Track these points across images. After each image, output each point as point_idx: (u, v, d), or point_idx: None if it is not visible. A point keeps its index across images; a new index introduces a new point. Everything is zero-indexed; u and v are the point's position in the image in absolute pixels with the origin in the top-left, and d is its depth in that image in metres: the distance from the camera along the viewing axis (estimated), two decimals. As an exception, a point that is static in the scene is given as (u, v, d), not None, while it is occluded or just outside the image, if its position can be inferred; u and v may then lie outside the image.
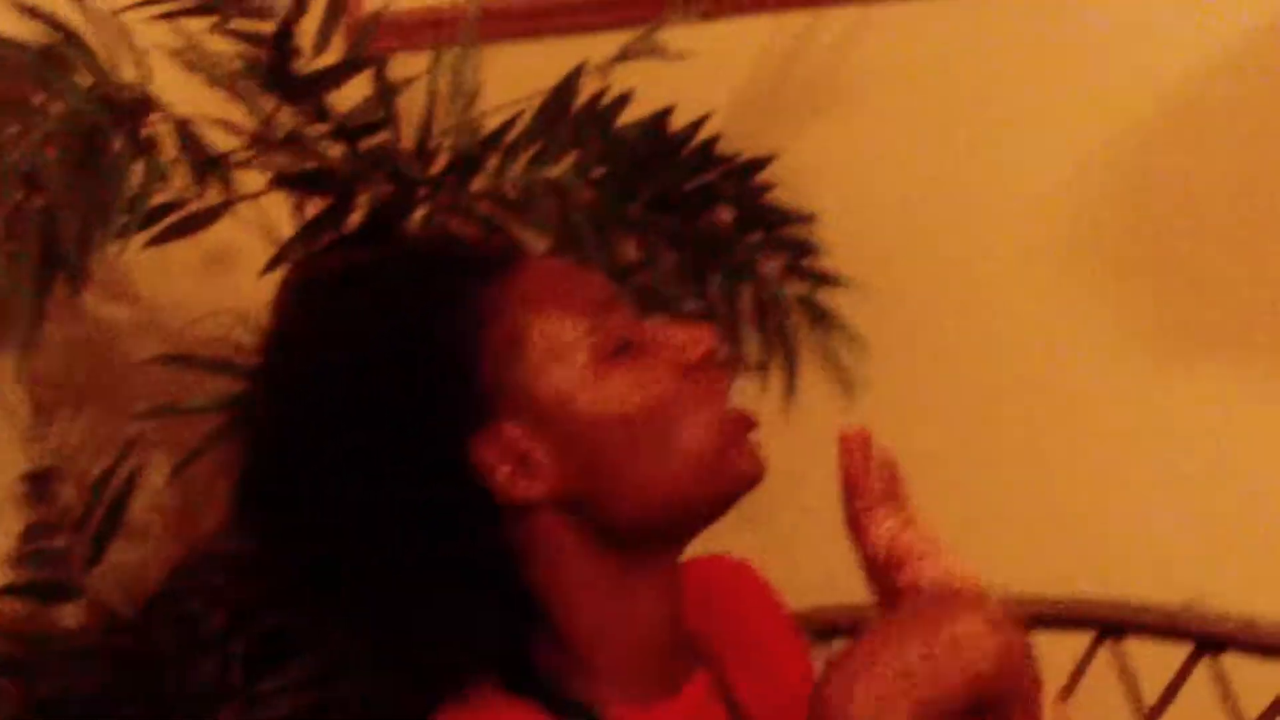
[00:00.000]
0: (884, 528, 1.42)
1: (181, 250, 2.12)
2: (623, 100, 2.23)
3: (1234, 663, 1.92)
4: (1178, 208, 2.18)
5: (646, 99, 2.24)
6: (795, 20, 2.31)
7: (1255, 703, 1.91)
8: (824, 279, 2.25)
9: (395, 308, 1.30)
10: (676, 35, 2.16)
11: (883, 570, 1.46)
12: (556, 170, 2.21)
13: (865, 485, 1.36)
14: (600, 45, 2.23)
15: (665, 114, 2.24)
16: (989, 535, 2.08)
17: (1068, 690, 1.99)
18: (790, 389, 2.25)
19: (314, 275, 1.42)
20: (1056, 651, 1.97)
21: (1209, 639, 1.93)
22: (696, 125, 2.24)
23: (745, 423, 1.35)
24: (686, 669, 1.38)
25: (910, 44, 2.26)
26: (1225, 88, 2.13)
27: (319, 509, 1.29)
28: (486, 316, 1.29)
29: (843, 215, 2.27)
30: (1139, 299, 2.20)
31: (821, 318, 2.26)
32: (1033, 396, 2.25)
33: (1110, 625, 1.99)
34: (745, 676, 1.42)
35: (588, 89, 2.22)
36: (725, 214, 2.27)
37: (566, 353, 1.30)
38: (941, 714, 1.09)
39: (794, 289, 2.26)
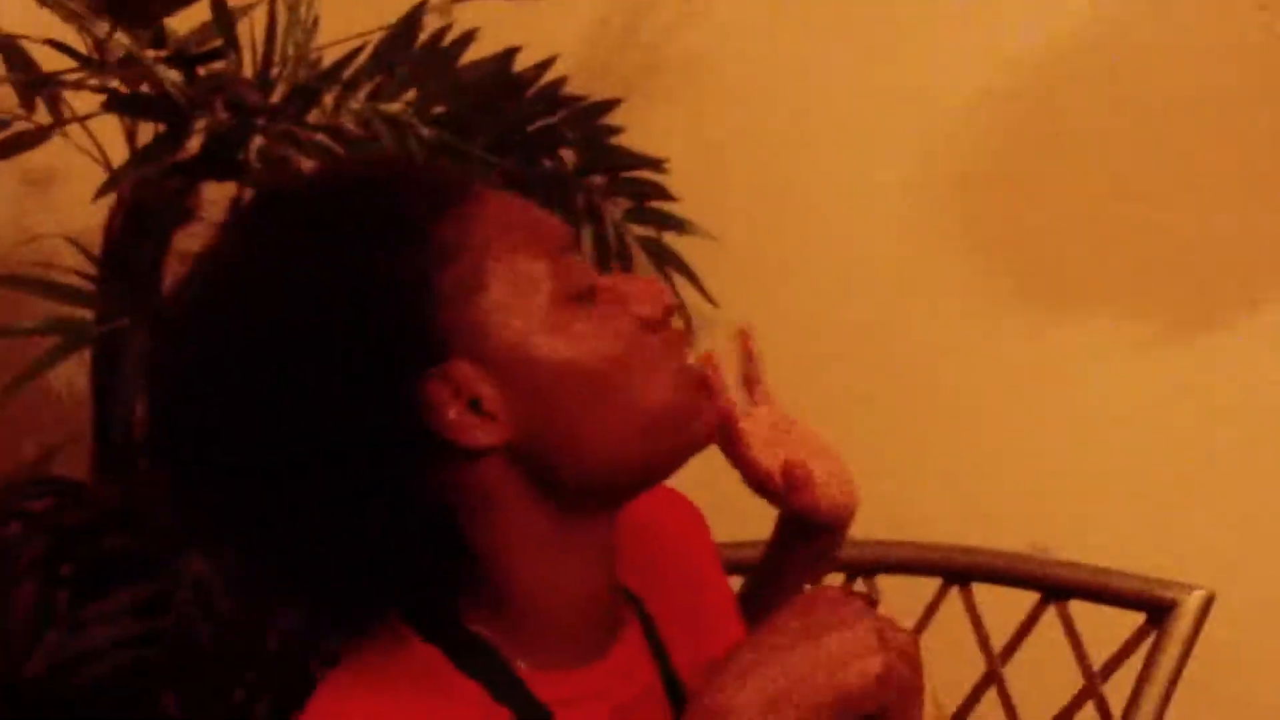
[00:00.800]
0: (766, 448, 1.45)
1: (5, 171, 2.05)
2: (466, 38, 2.19)
3: (1081, 609, 1.93)
4: (1036, 165, 2.18)
5: (494, 39, 2.20)
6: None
7: (1101, 651, 1.91)
8: (669, 222, 2.22)
9: (345, 241, 1.20)
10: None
11: (775, 491, 1.47)
12: (395, 106, 2.17)
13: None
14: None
15: (510, 54, 2.21)
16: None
17: (916, 633, 1.99)
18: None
19: (264, 198, 1.34)
20: (905, 597, 1.99)
21: (1056, 586, 1.94)
22: (542, 66, 2.21)
23: (703, 382, 1.30)
24: (616, 628, 1.33)
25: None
26: (1077, 53, 2.15)
27: (251, 428, 1.19)
28: (442, 254, 1.20)
29: (691, 161, 2.24)
30: (990, 254, 2.20)
31: (665, 260, 2.23)
32: (880, 346, 2.24)
33: (958, 572, 1.99)
34: (676, 627, 1.38)
35: (431, 26, 2.18)
36: (570, 156, 2.24)
37: (526, 295, 1.22)
38: None
39: (639, 232, 2.23)
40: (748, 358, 1.52)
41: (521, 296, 1.21)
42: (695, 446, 1.28)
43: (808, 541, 1.56)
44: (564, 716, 1.23)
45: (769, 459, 1.50)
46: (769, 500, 1.51)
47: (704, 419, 1.28)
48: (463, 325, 1.19)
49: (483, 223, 1.23)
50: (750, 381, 1.53)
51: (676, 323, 1.30)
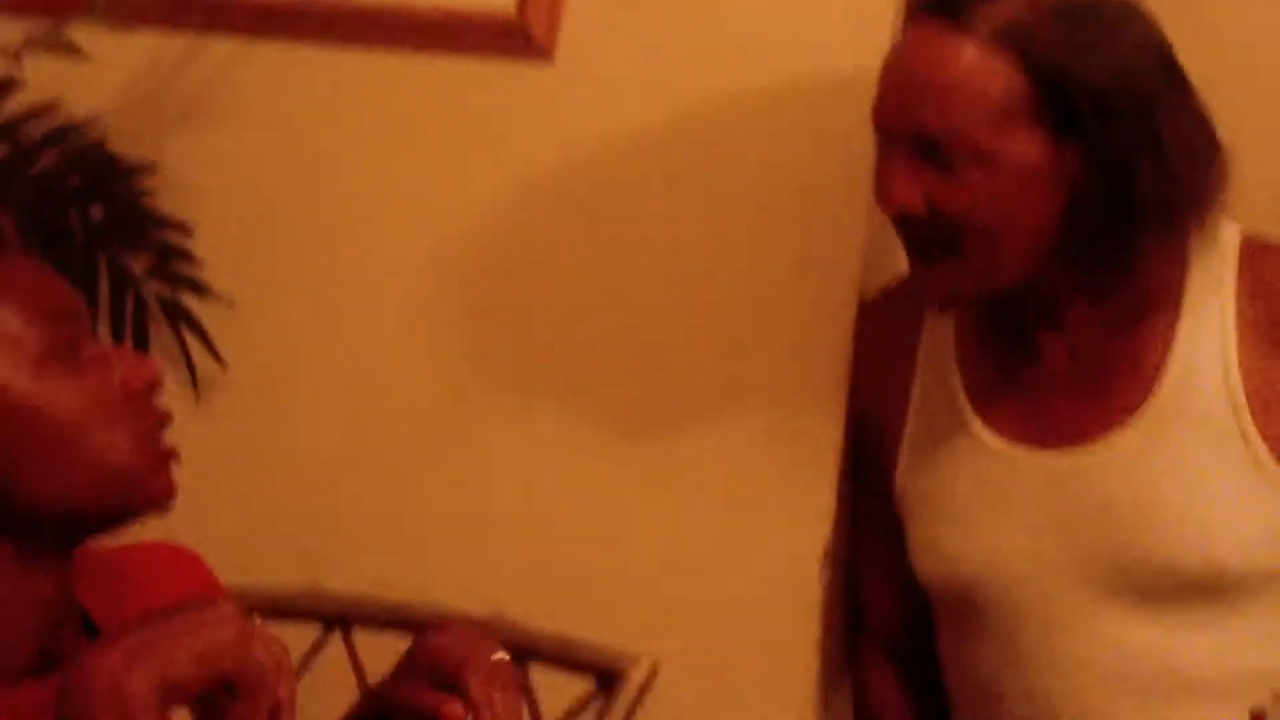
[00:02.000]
0: None
1: None
2: (8, 86, 2.28)
3: (539, 672, 2.12)
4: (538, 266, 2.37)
5: (35, 92, 2.31)
6: (185, 38, 2.39)
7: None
8: (187, 283, 2.35)
9: None
10: (78, 33, 2.22)
11: None
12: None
13: None
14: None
15: (53, 107, 2.33)
16: (320, 535, 2.24)
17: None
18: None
19: None
20: (375, 653, 2.14)
21: (517, 649, 2.11)
22: (85, 124, 2.34)
23: (167, 454, 1.47)
24: (61, 653, 1.44)
25: (298, 81, 2.39)
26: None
27: None
28: None
29: (217, 229, 2.37)
30: (478, 338, 2.38)
31: (179, 318, 2.35)
32: (369, 414, 2.39)
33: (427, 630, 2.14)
34: None
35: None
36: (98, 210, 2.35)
37: (14, 344, 1.39)
38: (179, 683, 1.20)
39: (157, 289, 2.34)
40: None
41: (11, 343, 1.39)
42: (146, 508, 1.46)
43: None
44: None
45: None
46: None
47: (157, 486, 1.46)
48: None
49: None
50: None
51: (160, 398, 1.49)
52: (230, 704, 1.22)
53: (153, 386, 1.47)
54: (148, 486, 1.44)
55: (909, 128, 1.97)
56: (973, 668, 2.17)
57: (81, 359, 1.43)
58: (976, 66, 1.94)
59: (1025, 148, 1.95)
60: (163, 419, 1.48)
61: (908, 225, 2.02)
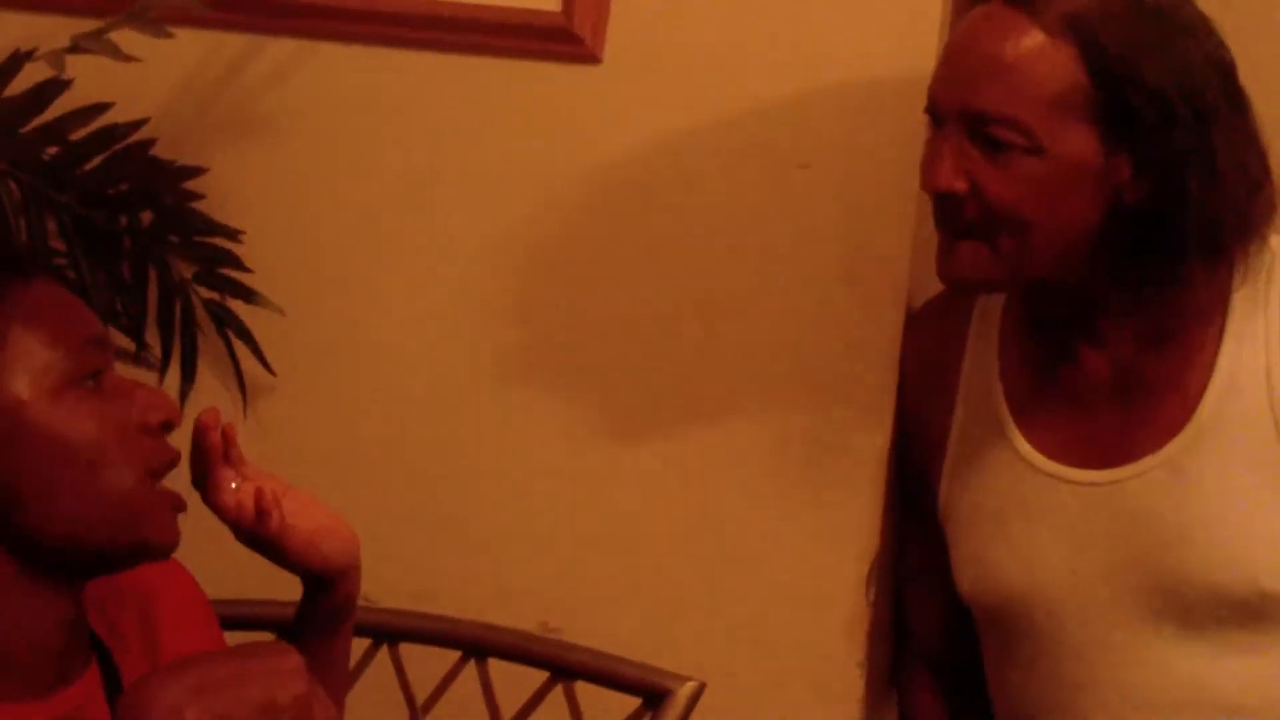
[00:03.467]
0: (236, 486, 1.62)
1: None
2: (59, 87, 2.28)
3: (585, 690, 2.12)
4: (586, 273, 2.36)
5: (84, 93, 2.30)
6: (237, 40, 2.39)
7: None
8: (236, 290, 2.34)
9: None
10: (124, 37, 2.22)
11: (250, 525, 1.64)
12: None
13: (212, 446, 1.61)
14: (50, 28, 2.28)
15: (102, 109, 2.31)
16: (365, 546, 2.24)
17: (428, 706, 2.18)
18: (187, 386, 2.34)
19: None
20: (426, 667, 2.17)
21: (564, 667, 2.12)
22: (134, 126, 2.32)
23: (173, 499, 1.49)
24: (70, 674, 1.48)
25: (347, 84, 2.38)
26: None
27: None
28: None
29: (266, 235, 2.36)
30: (525, 344, 2.37)
31: (226, 324, 2.35)
32: (419, 424, 2.38)
33: (477, 647, 2.15)
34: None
35: (39, 75, 2.25)
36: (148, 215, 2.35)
37: (37, 368, 1.41)
38: None
39: (206, 295, 2.35)
40: (226, 442, 1.67)
41: (33, 366, 1.41)
42: (149, 552, 1.48)
43: (315, 599, 1.73)
44: None
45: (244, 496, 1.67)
46: (254, 547, 1.68)
47: (163, 531, 1.48)
48: None
49: (21, 299, 1.43)
50: (232, 461, 1.68)
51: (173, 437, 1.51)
52: None
53: (168, 424, 1.49)
54: (145, 525, 1.46)
55: (963, 104, 1.97)
56: (1014, 688, 2.17)
57: (102, 389, 1.45)
58: (1039, 52, 1.93)
59: (1076, 145, 1.94)
60: (173, 460, 1.50)
61: (947, 204, 2.01)
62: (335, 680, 1.73)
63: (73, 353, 1.43)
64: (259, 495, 1.64)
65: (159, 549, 1.48)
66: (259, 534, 1.65)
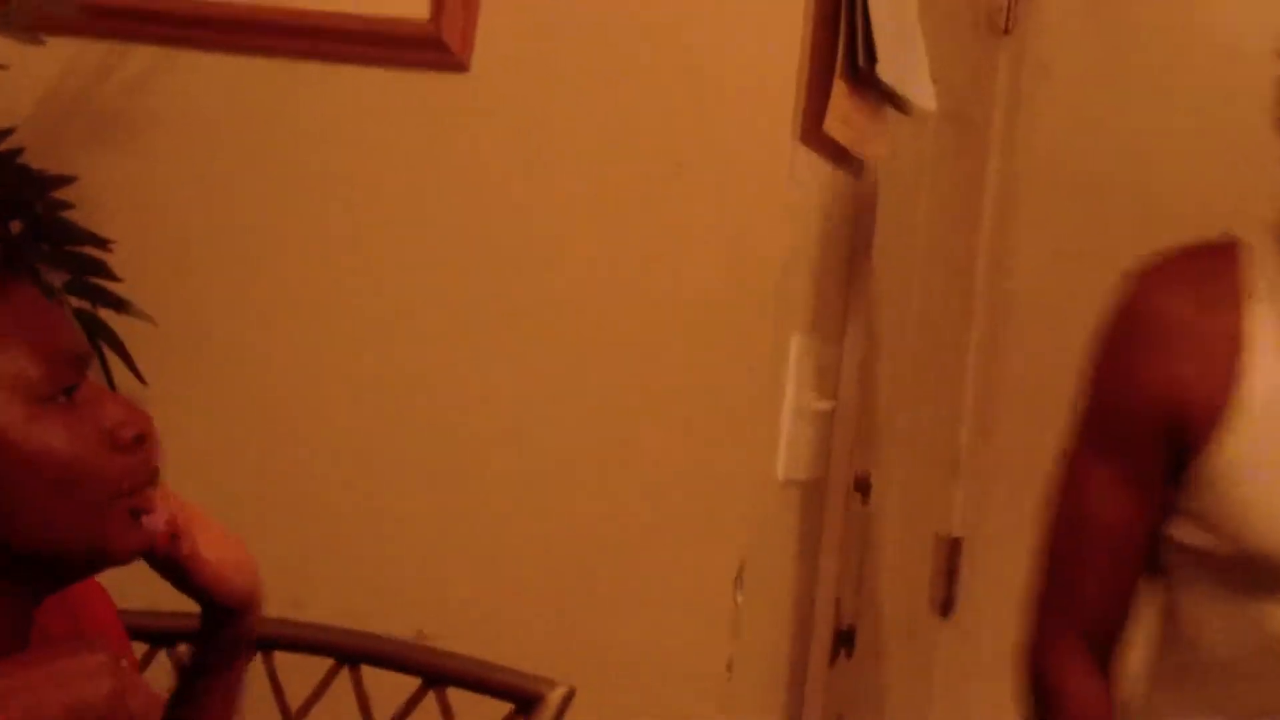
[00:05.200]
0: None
1: None
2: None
3: (458, 696, 2.13)
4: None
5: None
6: (102, 48, 2.40)
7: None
8: (107, 298, 2.34)
9: None
10: (-3, 46, 2.21)
11: (162, 547, 1.64)
12: None
13: None
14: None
15: (-30, 119, 2.31)
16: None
17: (302, 714, 2.18)
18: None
19: None
20: (299, 675, 2.17)
21: (437, 673, 2.14)
22: (1, 135, 2.31)
23: (138, 514, 1.47)
24: None
25: (217, 92, 2.40)
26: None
27: None
28: None
29: (137, 244, 2.37)
30: (408, 352, 2.39)
31: (97, 334, 2.34)
32: (291, 432, 2.41)
33: (350, 654, 2.16)
34: None
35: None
36: (18, 224, 2.34)
37: (12, 381, 1.39)
38: None
39: (77, 304, 2.34)
40: None
41: (8, 381, 1.39)
42: (111, 560, 1.46)
43: (216, 630, 1.72)
44: None
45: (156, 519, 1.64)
46: (161, 570, 1.64)
47: (127, 540, 1.46)
48: None
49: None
50: None
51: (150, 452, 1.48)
52: None
53: (142, 439, 1.47)
54: (116, 540, 1.45)
55: None
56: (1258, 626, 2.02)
57: (74, 404, 1.43)
58: None
59: None
60: (151, 474, 1.48)
61: None
62: (227, 712, 1.73)
63: (51, 368, 1.41)
64: (170, 519, 1.64)
65: (121, 556, 1.46)
66: (170, 557, 1.65)
